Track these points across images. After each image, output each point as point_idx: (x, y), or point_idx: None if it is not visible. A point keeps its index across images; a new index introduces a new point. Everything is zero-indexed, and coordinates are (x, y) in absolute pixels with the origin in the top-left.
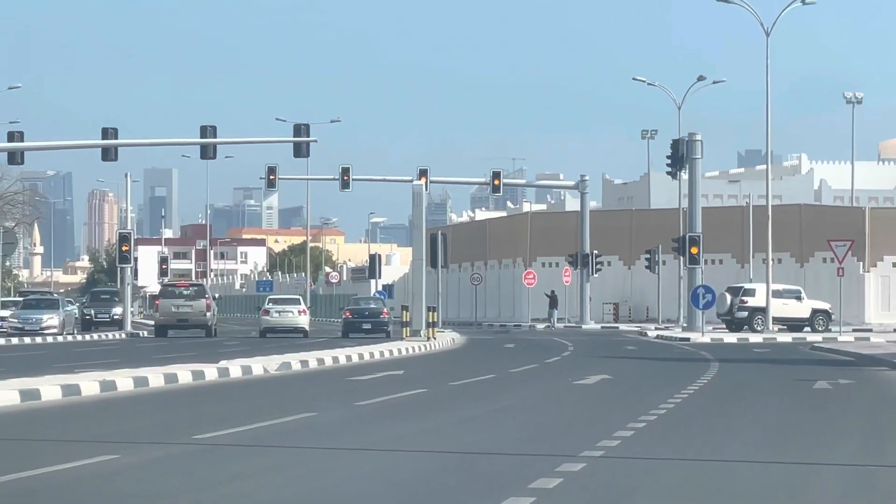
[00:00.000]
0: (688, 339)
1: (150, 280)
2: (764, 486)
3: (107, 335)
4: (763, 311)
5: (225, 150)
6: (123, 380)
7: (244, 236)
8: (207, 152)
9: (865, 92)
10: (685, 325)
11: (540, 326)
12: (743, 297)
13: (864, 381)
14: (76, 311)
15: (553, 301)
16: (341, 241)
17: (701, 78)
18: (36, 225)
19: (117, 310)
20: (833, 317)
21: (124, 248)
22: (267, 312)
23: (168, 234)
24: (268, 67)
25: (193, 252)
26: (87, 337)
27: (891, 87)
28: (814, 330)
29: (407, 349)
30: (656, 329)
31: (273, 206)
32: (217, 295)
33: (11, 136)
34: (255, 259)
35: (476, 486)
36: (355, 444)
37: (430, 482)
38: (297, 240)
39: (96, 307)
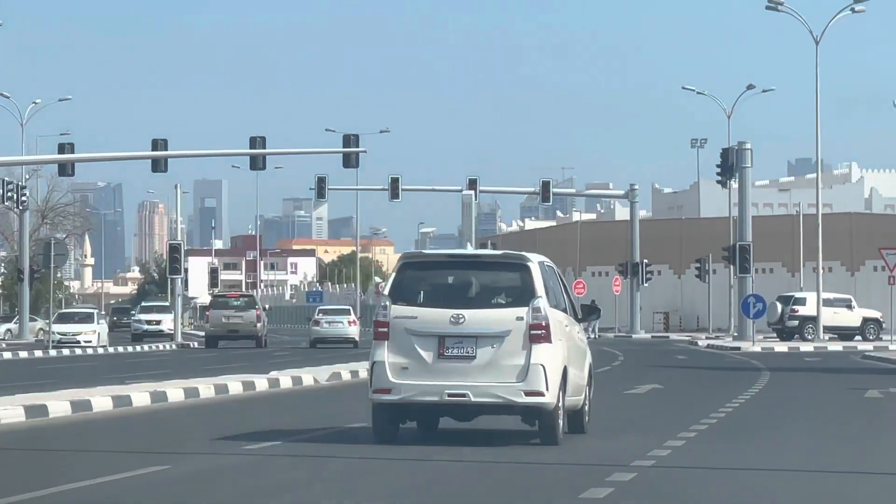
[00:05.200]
0: (738, 349)
1: (200, 291)
2: (815, 494)
3: (157, 346)
4: (814, 319)
5: (274, 161)
6: (174, 391)
7: (294, 247)
8: (257, 163)
9: None
10: (736, 334)
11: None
12: (793, 306)
13: None
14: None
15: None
16: (391, 252)
17: (750, 86)
18: (87, 236)
19: (167, 322)
20: (884, 325)
21: (174, 259)
22: (317, 323)
23: (218, 244)
24: (317, 78)
25: (243, 263)
26: (138, 348)
27: None
28: (864, 338)
29: None
30: (707, 338)
31: (323, 217)
32: (267, 306)
33: (62, 148)
34: (304, 270)
35: (527, 497)
36: (406, 454)
37: (482, 493)
38: (347, 250)
39: (147, 319)
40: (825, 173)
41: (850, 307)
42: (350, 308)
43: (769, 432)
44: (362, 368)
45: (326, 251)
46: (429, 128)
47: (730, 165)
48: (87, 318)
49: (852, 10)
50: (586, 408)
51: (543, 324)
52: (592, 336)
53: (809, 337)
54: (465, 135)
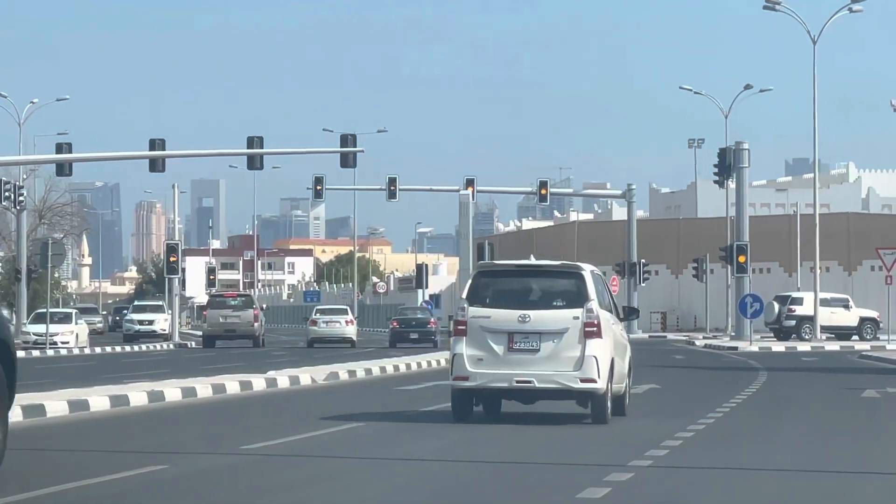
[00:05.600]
0: (736, 348)
1: (197, 291)
2: (812, 494)
3: (155, 346)
4: (811, 319)
5: (272, 161)
6: (171, 390)
7: (291, 247)
8: (254, 163)
9: None
10: (733, 333)
11: None
12: (791, 306)
13: None
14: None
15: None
16: (388, 251)
17: (748, 86)
18: (84, 236)
19: (160, 321)
20: (881, 325)
21: (172, 259)
22: (314, 323)
23: (215, 244)
24: (315, 78)
25: (241, 263)
26: (136, 348)
27: None
28: (862, 338)
29: None
30: (704, 338)
31: (320, 217)
32: (265, 305)
33: (60, 148)
34: (302, 269)
35: (524, 497)
36: (402, 454)
37: (477, 493)
38: (345, 250)
39: (139, 319)
40: (822, 173)
41: (847, 307)
42: (347, 308)
43: (766, 432)
44: (360, 368)
45: (324, 251)
46: (426, 128)
47: (727, 165)
48: (65, 319)
49: (850, 9)
50: (626, 394)
51: (595, 322)
52: None
53: (807, 337)
54: (463, 135)
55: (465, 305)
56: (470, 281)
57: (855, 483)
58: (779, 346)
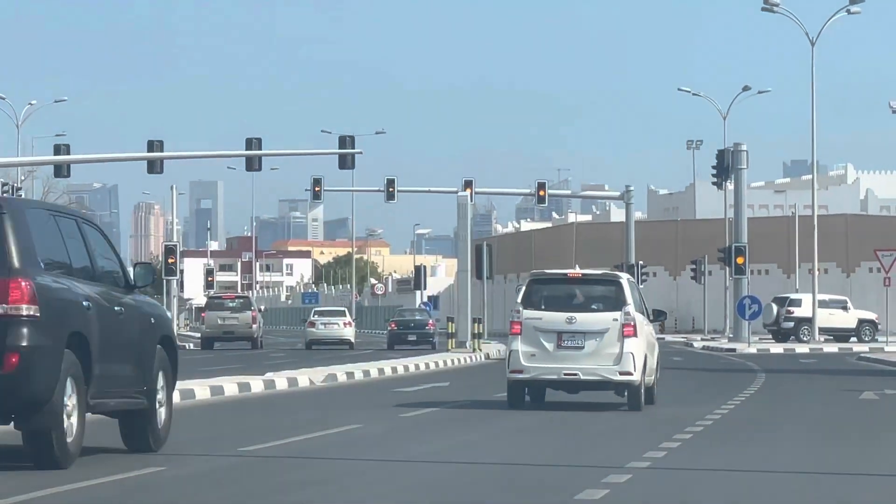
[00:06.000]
0: (734, 350)
1: (196, 292)
2: (811, 496)
3: None
4: (809, 321)
5: (270, 163)
6: None
7: (290, 248)
8: (253, 165)
9: None
10: (731, 335)
11: None
12: (789, 308)
13: None
14: None
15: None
16: (386, 253)
17: (746, 88)
18: None
19: None
20: (880, 327)
21: (170, 261)
22: (312, 324)
23: (214, 246)
24: (314, 80)
25: (239, 264)
26: None
27: None
28: (860, 340)
29: (452, 361)
30: (702, 340)
31: (318, 218)
32: (263, 307)
33: (58, 149)
34: (300, 271)
35: (522, 498)
36: (400, 456)
37: (476, 495)
38: (343, 251)
39: None
40: (821, 175)
41: (845, 309)
42: (345, 309)
43: (764, 434)
44: (358, 370)
45: (322, 252)
46: (425, 129)
47: (725, 167)
48: None
49: (848, 11)
50: (655, 385)
51: (632, 324)
52: None
53: (805, 338)
54: (461, 136)
55: (520, 308)
56: (524, 287)
57: (853, 485)
58: (777, 348)
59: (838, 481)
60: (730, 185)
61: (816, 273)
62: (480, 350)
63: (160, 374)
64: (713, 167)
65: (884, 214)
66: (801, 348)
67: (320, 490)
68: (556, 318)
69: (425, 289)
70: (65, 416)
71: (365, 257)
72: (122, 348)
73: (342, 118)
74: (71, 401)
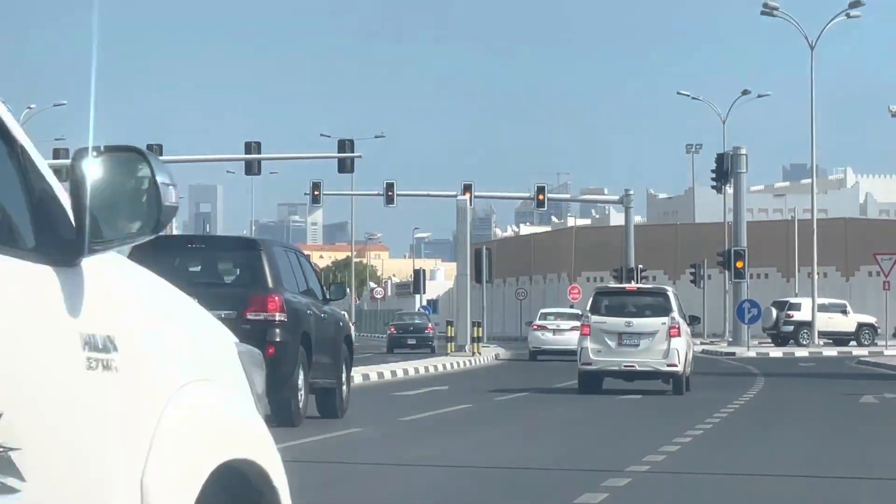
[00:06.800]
0: (733, 354)
1: None
2: (810, 498)
3: None
4: (809, 325)
5: (269, 167)
6: None
7: None
8: (252, 168)
9: None
10: (731, 339)
11: None
12: (788, 312)
13: None
14: None
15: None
16: (386, 257)
17: (745, 92)
18: None
19: None
20: (879, 331)
21: None
22: None
23: None
24: (312, 83)
25: None
26: None
27: None
28: (860, 344)
29: (451, 364)
30: (702, 344)
31: (318, 222)
32: None
33: (57, 154)
34: None
35: (521, 502)
36: (400, 459)
37: (475, 498)
38: (342, 255)
39: None
40: (820, 179)
41: (845, 312)
42: (345, 313)
43: (764, 437)
44: (357, 374)
45: (321, 256)
46: (424, 133)
47: (725, 171)
48: None
49: (847, 15)
50: (690, 376)
51: (677, 326)
52: None
53: (804, 342)
54: (461, 140)
55: (589, 314)
56: (591, 298)
57: (852, 488)
58: (776, 352)
59: (837, 483)
60: (729, 189)
61: (816, 277)
62: (479, 354)
63: (344, 364)
64: (712, 171)
65: (883, 218)
66: (801, 352)
67: (320, 493)
68: (617, 322)
69: (425, 292)
70: (299, 391)
71: (364, 261)
72: (326, 344)
73: (341, 122)
74: (301, 380)
